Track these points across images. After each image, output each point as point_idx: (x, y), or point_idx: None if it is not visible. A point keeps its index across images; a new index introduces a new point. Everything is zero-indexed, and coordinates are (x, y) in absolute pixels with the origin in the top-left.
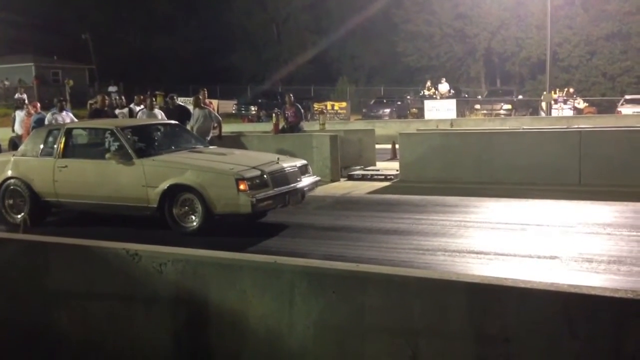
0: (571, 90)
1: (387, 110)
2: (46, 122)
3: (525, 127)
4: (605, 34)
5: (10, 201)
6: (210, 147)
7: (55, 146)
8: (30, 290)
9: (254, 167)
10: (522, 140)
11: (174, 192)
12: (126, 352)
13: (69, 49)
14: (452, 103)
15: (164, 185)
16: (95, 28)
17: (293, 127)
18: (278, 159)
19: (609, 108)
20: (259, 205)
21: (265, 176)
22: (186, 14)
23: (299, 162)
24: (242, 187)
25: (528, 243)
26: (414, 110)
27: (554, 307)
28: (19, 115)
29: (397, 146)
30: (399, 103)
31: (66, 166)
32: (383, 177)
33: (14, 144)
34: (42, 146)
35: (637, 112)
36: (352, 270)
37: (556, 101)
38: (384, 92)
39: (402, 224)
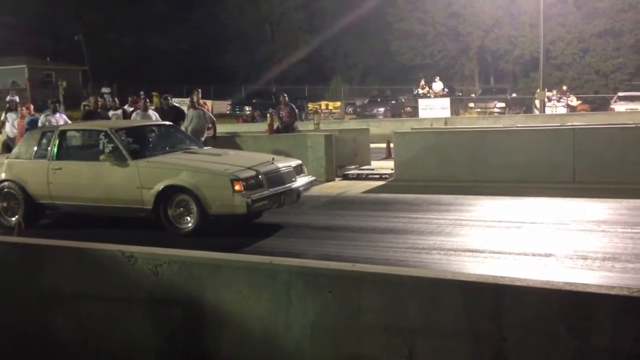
0: (564, 87)
1: (382, 110)
2: (39, 124)
3: (519, 125)
4: (597, 31)
5: (5, 204)
6: (205, 147)
7: (49, 148)
8: (26, 293)
9: (248, 168)
10: (516, 138)
11: (169, 193)
12: (122, 353)
13: (62, 51)
14: (446, 101)
15: (159, 186)
16: (88, 29)
17: (287, 127)
18: (273, 159)
19: (602, 105)
20: (254, 205)
21: (260, 176)
22: (179, 14)
23: (294, 162)
24: (237, 187)
25: (523, 241)
26: (408, 109)
27: (550, 305)
28: (11, 117)
29: (391, 145)
30: (393, 102)
31: (60, 168)
32: (378, 176)
33: (8, 147)
34: (35, 148)
35: (630, 108)
36: (348, 270)
37: (549, 99)
38: (378, 91)
39: (397, 223)
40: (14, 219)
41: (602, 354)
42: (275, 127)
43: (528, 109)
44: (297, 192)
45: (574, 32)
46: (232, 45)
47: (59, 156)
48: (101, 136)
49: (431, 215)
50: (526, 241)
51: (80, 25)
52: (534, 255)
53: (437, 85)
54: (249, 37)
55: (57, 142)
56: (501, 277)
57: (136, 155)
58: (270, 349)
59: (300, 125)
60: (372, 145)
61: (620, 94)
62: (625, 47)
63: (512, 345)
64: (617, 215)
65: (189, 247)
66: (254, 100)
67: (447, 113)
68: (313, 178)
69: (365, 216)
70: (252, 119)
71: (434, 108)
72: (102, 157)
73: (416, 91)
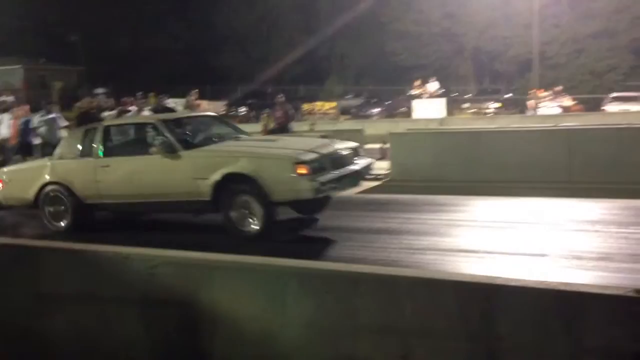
0: (559, 88)
1: (377, 110)
2: (35, 124)
3: (514, 126)
4: (592, 32)
5: (51, 208)
6: (255, 135)
7: (94, 145)
8: (22, 294)
9: (310, 150)
10: (511, 138)
11: (230, 191)
12: (118, 354)
13: (57, 51)
14: (441, 102)
15: (217, 175)
16: (84, 30)
17: (282, 128)
18: (331, 141)
19: (596, 106)
20: (321, 189)
21: (323, 159)
22: (175, 15)
23: (352, 144)
24: (302, 170)
25: (518, 241)
26: (404, 109)
27: (545, 305)
28: (5, 118)
29: (387, 145)
30: (388, 102)
31: (108, 165)
32: (373, 176)
33: (1, 148)
34: (79, 147)
35: (623, 109)
36: (344, 271)
37: (544, 99)
38: (373, 91)
39: (392, 224)
40: (62, 223)
41: (597, 353)
42: (269, 127)
43: (523, 109)
44: (359, 175)
45: (568, 32)
46: (229, 45)
47: (106, 153)
48: (149, 129)
49: (426, 215)
50: (521, 241)
51: (75, 25)
52: (528, 255)
53: (432, 86)
54: (245, 37)
55: (102, 138)
56: (496, 277)
57: (188, 145)
58: (266, 350)
59: (295, 126)
60: (367, 146)
61: (614, 94)
62: (619, 47)
63: (507, 345)
64: (611, 215)
65: (185, 249)
66: (250, 101)
67: (442, 113)
68: (372, 160)
69: (360, 216)
70: (247, 119)
71: (429, 109)
72: (152, 149)
73: (411, 92)
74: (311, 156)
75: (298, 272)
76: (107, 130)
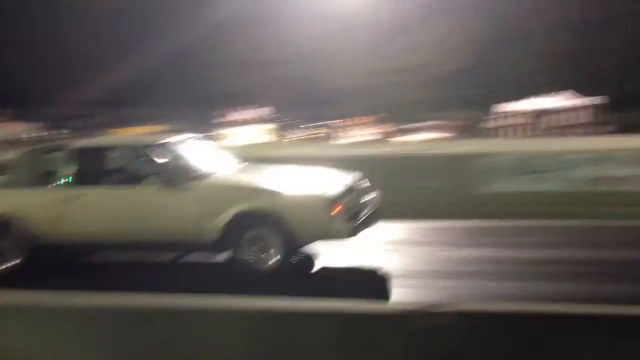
0: (374, 117)
1: (199, 135)
2: None
3: (330, 153)
4: (407, 65)
5: None
6: (258, 163)
7: (61, 171)
8: None
9: (338, 185)
10: (326, 164)
11: (243, 231)
12: None
13: None
14: (264, 128)
15: (230, 213)
16: None
17: None
18: (339, 172)
19: (407, 134)
20: (355, 230)
21: (348, 194)
22: None
23: (357, 175)
24: (336, 210)
25: (327, 263)
26: (223, 134)
27: (340, 327)
28: None
29: None
30: (213, 124)
31: (79, 197)
32: None
33: None
34: (39, 172)
35: (431, 137)
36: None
37: (359, 127)
38: (194, 117)
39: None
40: (4, 266)
41: None
42: None
43: (339, 136)
44: (378, 209)
45: (386, 64)
46: (28, 65)
47: (78, 181)
48: (137, 154)
49: None
50: (330, 263)
51: None
52: (339, 276)
53: (256, 112)
54: (49, 57)
55: (71, 163)
56: (297, 302)
57: (189, 176)
58: None
59: None
60: None
61: (422, 123)
62: (431, 80)
63: None
64: (414, 235)
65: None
66: (53, 125)
67: (264, 139)
68: (379, 191)
69: None
70: None
71: (250, 134)
72: (147, 180)
73: (230, 117)
74: (341, 193)
75: (71, 310)
76: (76, 153)
